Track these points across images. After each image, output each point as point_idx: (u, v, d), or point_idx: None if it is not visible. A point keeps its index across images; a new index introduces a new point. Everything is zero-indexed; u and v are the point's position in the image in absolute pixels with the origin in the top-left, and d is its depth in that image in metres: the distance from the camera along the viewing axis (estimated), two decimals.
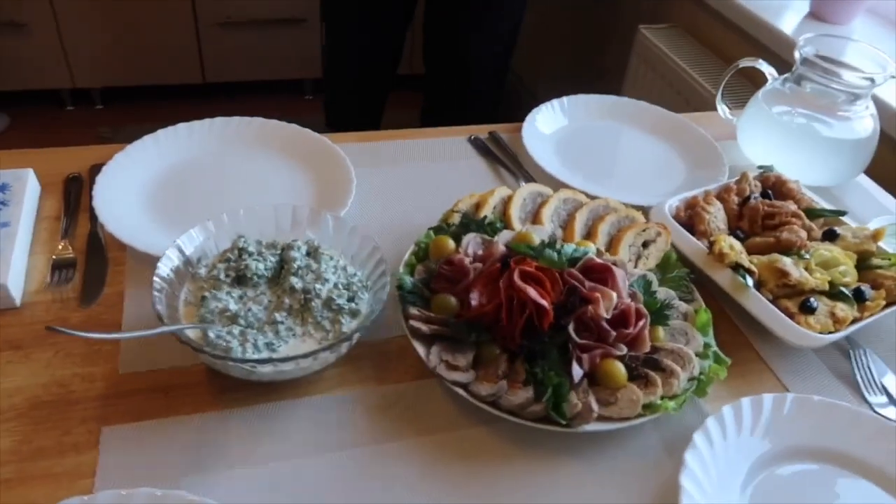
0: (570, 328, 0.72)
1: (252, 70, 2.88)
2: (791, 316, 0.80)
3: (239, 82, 2.91)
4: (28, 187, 0.87)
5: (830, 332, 0.79)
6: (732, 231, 0.94)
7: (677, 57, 1.79)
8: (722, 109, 1.21)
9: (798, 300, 0.82)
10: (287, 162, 1.01)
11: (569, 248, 0.80)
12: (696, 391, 0.73)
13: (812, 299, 0.81)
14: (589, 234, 0.88)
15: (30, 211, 0.86)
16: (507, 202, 0.90)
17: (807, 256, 0.86)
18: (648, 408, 0.70)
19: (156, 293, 0.67)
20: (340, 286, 0.74)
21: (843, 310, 0.81)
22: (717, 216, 0.93)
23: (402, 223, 0.94)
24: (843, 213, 0.96)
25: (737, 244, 0.87)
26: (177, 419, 0.68)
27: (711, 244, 0.86)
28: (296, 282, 0.72)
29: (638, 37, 1.92)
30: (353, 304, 0.73)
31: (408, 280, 0.78)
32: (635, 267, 0.85)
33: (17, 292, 0.76)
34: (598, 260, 0.78)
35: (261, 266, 0.73)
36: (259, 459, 0.66)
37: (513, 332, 0.72)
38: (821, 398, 0.75)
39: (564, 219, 0.91)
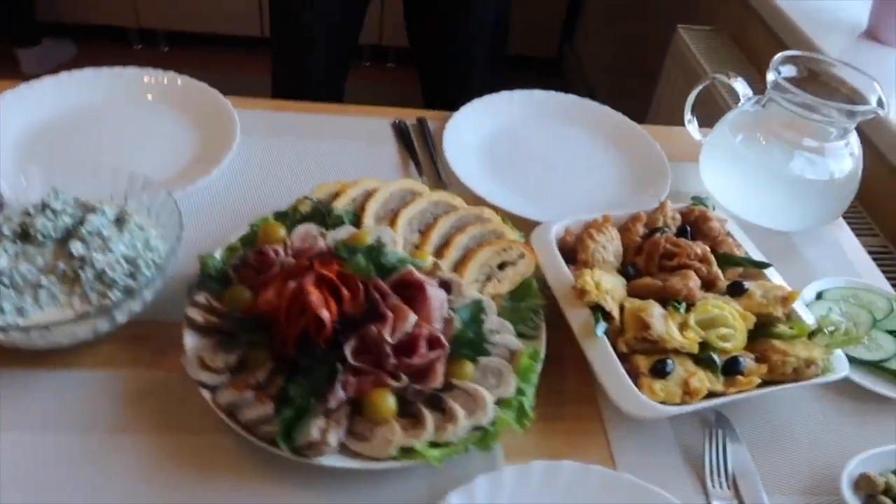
0: (349, 347, 0.64)
1: None
2: (637, 376, 0.68)
3: None
4: None
5: (676, 404, 0.67)
6: (625, 266, 0.81)
7: (710, 64, 1.60)
8: (691, 126, 1.06)
9: (656, 359, 0.69)
10: (180, 121, 0.97)
11: (393, 256, 0.71)
12: (478, 442, 0.63)
13: (670, 361, 0.68)
14: (446, 245, 0.79)
15: None
16: (370, 196, 0.82)
17: (681, 310, 0.73)
18: (408, 452, 0.61)
19: None
20: (124, 260, 0.69)
21: (701, 380, 0.67)
22: (606, 247, 0.80)
23: (274, 203, 0.87)
24: (765, 266, 0.81)
25: (609, 282, 0.74)
26: None
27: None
28: (76, 247, 0.68)
29: (675, 36, 1.74)
30: (130, 281, 0.68)
31: (212, 263, 0.72)
32: (482, 290, 0.75)
33: None
34: (416, 275, 0.69)
35: (48, 225, 0.69)
36: None
37: (287, 340, 0.65)
38: (633, 480, 0.63)
39: (430, 223, 0.81)
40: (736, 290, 0.77)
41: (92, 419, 0.64)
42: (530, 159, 1.02)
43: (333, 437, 0.60)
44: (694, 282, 0.75)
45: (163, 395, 0.67)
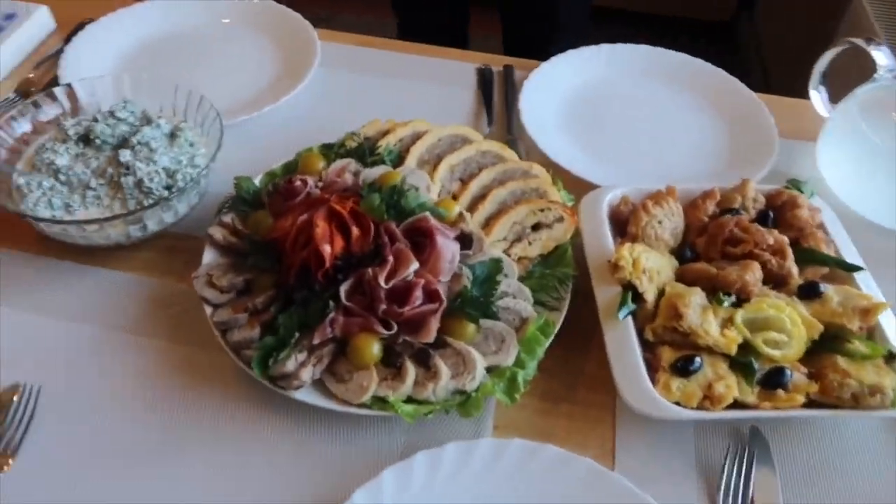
0: (345, 286, 0.62)
1: None
2: (657, 370, 0.60)
3: None
4: (34, 22, 0.96)
5: (693, 409, 0.58)
6: (682, 247, 0.72)
7: (889, 35, 1.36)
8: (815, 97, 0.91)
9: (683, 354, 0.61)
10: (270, 48, 1.00)
11: (414, 200, 0.68)
12: (459, 407, 0.59)
13: (698, 359, 0.60)
14: (483, 198, 0.74)
15: (21, 43, 0.95)
16: (418, 138, 0.79)
17: (728, 304, 0.63)
18: (382, 402, 0.59)
19: None
20: (164, 173, 0.71)
21: (728, 387, 0.58)
22: (663, 222, 0.71)
23: (335, 135, 0.86)
24: (855, 269, 0.68)
25: (653, 262, 0.66)
26: None
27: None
28: (125, 154, 0.72)
29: (853, 4, 1.49)
30: (166, 192, 0.71)
31: (247, 186, 0.73)
32: (509, 249, 0.70)
33: None
34: (430, 223, 0.65)
35: (107, 131, 0.74)
36: (16, 302, 0.69)
37: (289, 270, 0.65)
38: (624, 482, 0.56)
39: (474, 173, 0.77)
40: (808, 292, 0.65)
41: (117, 317, 0.69)
42: (617, 121, 0.93)
43: (307, 373, 0.59)
44: (754, 275, 0.65)
45: (183, 306, 0.70)
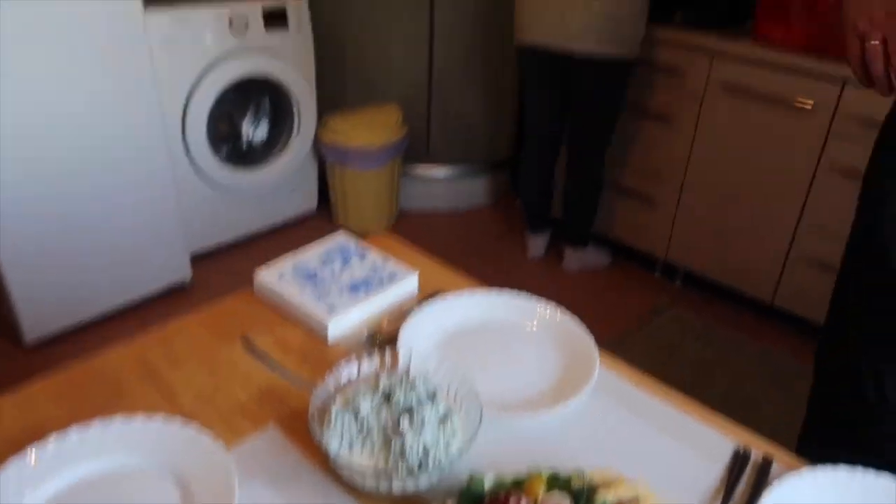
0: None
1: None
2: None
3: (800, 316, 2.82)
4: (404, 285, 1.31)
5: None
6: None
7: None
8: None
9: None
10: (552, 359, 1.16)
11: None
12: None
13: None
14: None
15: (389, 300, 1.29)
16: (635, 502, 0.84)
17: None
18: None
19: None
20: (422, 448, 0.90)
21: None
22: None
23: (574, 463, 0.96)
24: None
25: None
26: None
27: None
28: (404, 422, 0.92)
29: None
30: (416, 466, 0.88)
31: (477, 484, 0.86)
32: None
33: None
34: None
35: (401, 398, 0.96)
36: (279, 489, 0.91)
37: None
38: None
39: None
40: None
41: None
42: None
43: None
44: None
45: None
